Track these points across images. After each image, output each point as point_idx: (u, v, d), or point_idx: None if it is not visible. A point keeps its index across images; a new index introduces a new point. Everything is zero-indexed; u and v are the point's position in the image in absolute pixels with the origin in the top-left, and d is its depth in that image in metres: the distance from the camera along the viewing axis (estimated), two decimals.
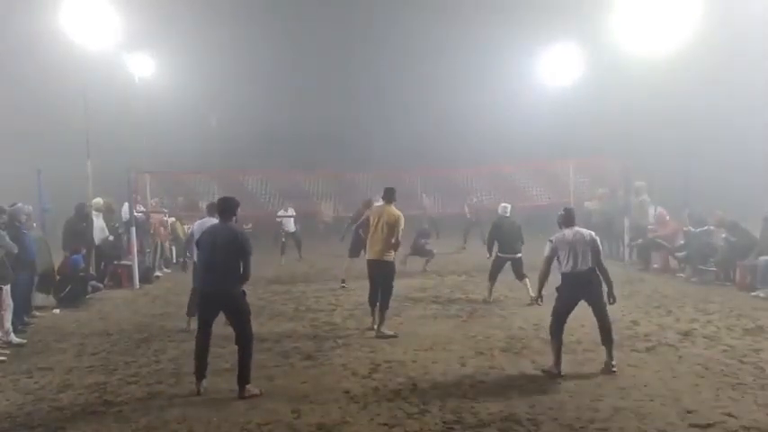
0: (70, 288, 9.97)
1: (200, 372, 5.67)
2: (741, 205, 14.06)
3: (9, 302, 7.60)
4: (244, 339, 5.60)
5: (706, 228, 11.41)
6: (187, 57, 23.70)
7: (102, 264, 11.99)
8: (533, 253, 9.70)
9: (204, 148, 24.10)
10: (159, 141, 23.41)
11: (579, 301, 6.06)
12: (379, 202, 8.59)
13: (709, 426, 4.72)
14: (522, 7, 22.32)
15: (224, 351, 6.58)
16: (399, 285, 8.46)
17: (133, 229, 11.89)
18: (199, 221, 7.96)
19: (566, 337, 6.20)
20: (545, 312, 8.54)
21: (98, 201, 12.39)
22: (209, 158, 22.42)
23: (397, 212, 7.77)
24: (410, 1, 25.30)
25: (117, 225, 12.41)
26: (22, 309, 8.46)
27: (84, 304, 10.13)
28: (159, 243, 13.80)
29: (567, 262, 5.98)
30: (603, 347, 6.05)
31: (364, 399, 5.45)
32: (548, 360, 6.22)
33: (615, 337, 6.20)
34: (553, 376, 5.90)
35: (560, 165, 15.84)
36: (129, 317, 9.24)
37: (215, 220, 6.34)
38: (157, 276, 13.05)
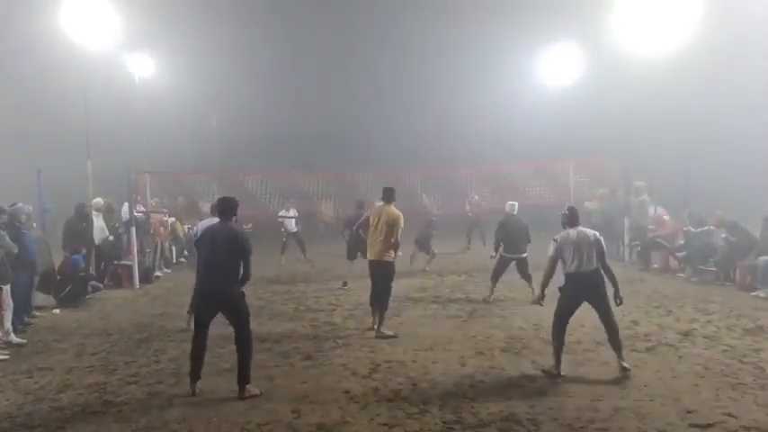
0: (70, 288, 9.97)
1: (196, 373, 5.65)
2: (741, 205, 14.06)
3: (9, 302, 7.61)
4: (243, 340, 5.59)
5: (706, 228, 11.42)
6: (187, 57, 23.70)
7: (102, 264, 11.99)
8: (534, 252, 9.75)
9: (204, 148, 24.10)
10: (159, 141, 23.41)
11: (582, 302, 5.99)
12: (379, 203, 8.59)
13: (709, 426, 4.72)
14: (522, 7, 22.31)
15: (224, 351, 6.59)
16: (399, 285, 8.47)
17: (133, 229, 11.89)
18: (202, 222, 7.95)
19: (566, 338, 6.18)
20: (545, 312, 8.54)
21: (98, 201, 12.39)
22: (209, 158, 22.41)
23: (397, 212, 7.77)
24: (410, 1, 25.29)
25: (117, 225, 12.41)
26: (22, 309, 8.47)
27: (84, 304, 10.13)
28: (159, 243, 13.80)
29: (572, 262, 5.90)
30: (614, 352, 5.92)
31: (364, 399, 5.45)
32: (548, 360, 6.22)
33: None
34: (553, 376, 5.90)
35: (560, 165, 15.85)
36: (129, 317, 9.24)
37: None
38: (157, 276, 13.06)
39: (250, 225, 19.17)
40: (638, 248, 13.39)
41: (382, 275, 7.79)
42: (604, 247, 6.05)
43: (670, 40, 16.08)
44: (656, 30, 16.29)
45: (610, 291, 6.00)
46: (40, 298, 9.83)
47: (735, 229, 10.71)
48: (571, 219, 6.17)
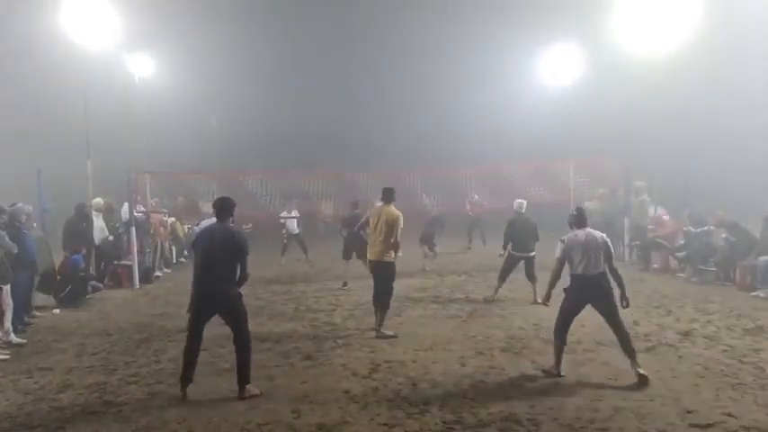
0: (70, 288, 9.97)
1: (188, 376, 5.56)
2: (741, 205, 14.07)
3: (9, 302, 7.61)
4: (241, 340, 5.57)
5: (706, 228, 11.42)
6: (187, 57, 23.72)
7: (102, 264, 11.99)
8: (538, 252, 9.73)
9: (204, 148, 24.12)
10: (159, 141, 23.43)
11: (586, 304, 5.92)
12: (379, 203, 8.59)
13: (709, 426, 4.72)
14: (522, 7, 22.32)
15: (224, 351, 6.58)
16: (399, 285, 8.46)
17: (133, 229, 11.89)
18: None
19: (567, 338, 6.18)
20: (545, 312, 8.53)
21: (98, 201, 12.39)
22: (209, 158, 22.43)
23: (397, 212, 7.77)
24: (410, 1, 25.31)
25: (117, 225, 12.40)
26: (22, 309, 8.47)
27: (84, 304, 10.13)
28: (159, 243, 13.80)
29: (579, 264, 5.84)
30: (628, 359, 5.78)
31: (364, 399, 5.45)
32: (548, 360, 6.22)
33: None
34: (553, 376, 5.89)
35: (560, 165, 15.85)
36: (129, 317, 9.23)
37: None
38: (157, 276, 13.06)
39: (250, 225, 19.19)
40: (638, 249, 13.39)
41: (383, 276, 7.79)
42: (612, 250, 5.99)
43: (670, 40, 16.08)
44: (656, 30, 16.30)
45: (616, 292, 5.94)
46: (40, 298, 9.83)
47: (735, 229, 10.71)
48: (579, 220, 6.10)
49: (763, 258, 9.73)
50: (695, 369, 6.05)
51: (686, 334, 7.37)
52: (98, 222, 11.88)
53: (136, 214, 12.17)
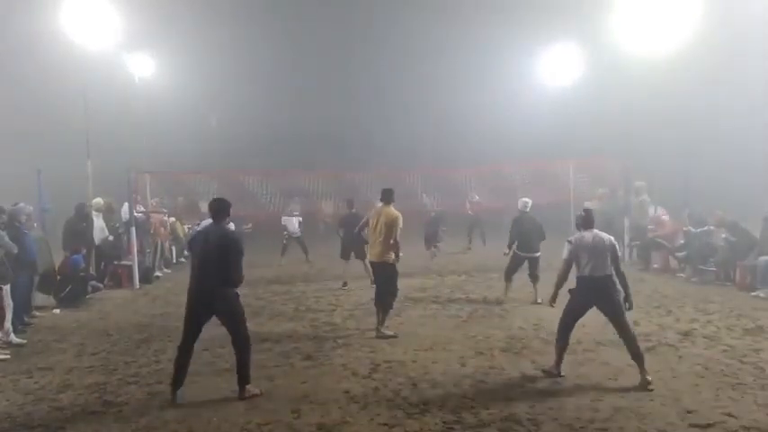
0: (70, 288, 9.97)
1: (179, 379, 5.48)
2: (741, 205, 14.06)
3: (9, 302, 7.60)
4: (240, 341, 5.55)
5: (706, 228, 11.42)
6: (187, 57, 23.71)
7: (102, 264, 11.99)
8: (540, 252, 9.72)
9: (204, 148, 24.12)
10: (159, 141, 23.42)
11: (591, 306, 5.87)
12: (379, 204, 8.58)
13: (709, 426, 4.72)
14: (522, 7, 22.32)
15: (224, 351, 6.58)
16: (400, 285, 8.44)
17: (133, 229, 11.89)
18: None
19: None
20: (545, 312, 8.54)
21: (98, 201, 12.39)
22: (209, 158, 22.43)
23: (396, 213, 7.77)
24: (410, 1, 25.31)
25: (117, 225, 12.40)
26: (22, 309, 8.47)
27: (85, 304, 10.13)
28: (159, 243, 13.80)
29: (586, 265, 5.80)
30: (636, 365, 5.69)
31: (364, 399, 5.45)
32: (548, 360, 6.22)
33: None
34: (553, 376, 5.89)
35: (560, 165, 15.85)
36: (129, 317, 9.24)
37: None
38: (157, 276, 13.06)
39: (250, 225, 19.18)
40: (638, 249, 13.38)
41: (385, 277, 7.80)
42: (619, 253, 5.95)
43: (670, 40, 16.08)
44: (656, 30, 16.30)
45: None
46: (40, 298, 9.83)
47: (735, 229, 10.71)
48: (586, 221, 6.06)
49: (763, 258, 9.73)
50: (695, 369, 6.05)
51: (686, 334, 7.37)
52: (98, 222, 11.88)
53: (136, 214, 12.17)
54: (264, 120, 25.92)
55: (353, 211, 11.40)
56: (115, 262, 12.21)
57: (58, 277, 10.01)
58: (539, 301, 9.21)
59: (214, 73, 25.04)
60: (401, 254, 7.90)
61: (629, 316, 5.90)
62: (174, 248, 15.12)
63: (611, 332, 6.14)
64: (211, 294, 5.48)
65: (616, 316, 5.78)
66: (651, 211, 13.52)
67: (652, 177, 14.60)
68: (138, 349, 7.34)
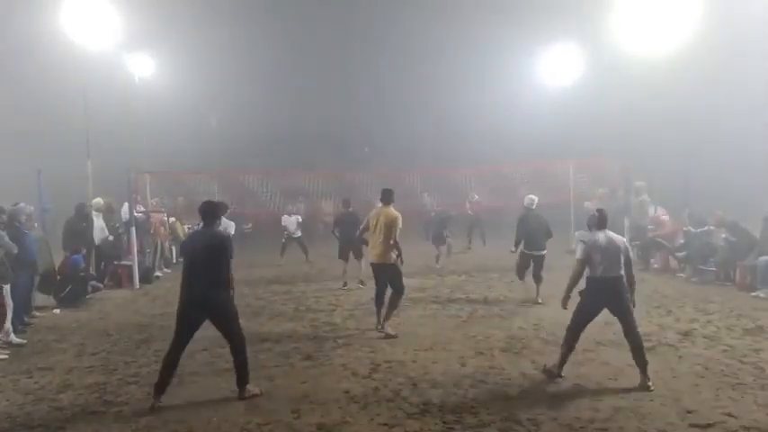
0: (70, 288, 9.97)
1: (163, 384, 5.38)
2: (741, 205, 14.05)
3: (9, 302, 7.60)
4: (236, 342, 5.52)
5: (706, 228, 11.42)
6: (187, 57, 23.70)
7: (102, 264, 12.00)
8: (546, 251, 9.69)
9: (204, 148, 24.10)
10: (159, 141, 23.41)
11: (603, 308, 5.81)
12: (379, 204, 8.59)
13: (709, 426, 4.72)
14: (522, 7, 22.31)
15: (224, 351, 6.54)
16: None
17: (133, 229, 11.90)
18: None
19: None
20: (545, 312, 8.56)
21: (98, 201, 12.40)
22: (209, 158, 22.42)
23: (395, 213, 7.77)
24: (410, 1, 25.30)
25: (117, 225, 12.41)
26: (22, 309, 8.47)
27: (85, 304, 10.14)
28: (159, 243, 13.81)
29: (599, 266, 5.75)
30: (638, 368, 5.65)
31: (364, 399, 5.45)
32: (548, 360, 6.21)
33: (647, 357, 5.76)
34: (553, 376, 5.88)
35: (560, 165, 15.86)
36: (129, 317, 9.24)
37: (225, 220, 6.29)
38: (157, 276, 13.06)
39: (250, 225, 19.20)
40: (638, 249, 13.38)
41: (389, 277, 7.80)
42: (631, 255, 5.89)
43: (670, 40, 16.08)
44: (656, 30, 16.30)
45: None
46: (40, 298, 9.83)
47: (735, 229, 10.71)
48: (600, 222, 5.99)
49: (763, 258, 9.73)
50: (695, 369, 6.05)
51: (686, 334, 7.37)
52: (98, 222, 11.88)
53: (136, 214, 12.17)
54: (264, 120, 25.91)
55: (350, 210, 11.40)
56: (115, 262, 12.21)
57: (58, 277, 10.01)
58: (539, 301, 9.21)
59: (214, 73, 25.02)
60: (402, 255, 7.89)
61: None
62: (174, 248, 15.10)
63: (611, 332, 6.15)
64: (203, 298, 5.43)
65: (625, 316, 5.75)
66: (651, 211, 13.52)
67: (652, 177, 14.60)
68: (138, 349, 7.34)
